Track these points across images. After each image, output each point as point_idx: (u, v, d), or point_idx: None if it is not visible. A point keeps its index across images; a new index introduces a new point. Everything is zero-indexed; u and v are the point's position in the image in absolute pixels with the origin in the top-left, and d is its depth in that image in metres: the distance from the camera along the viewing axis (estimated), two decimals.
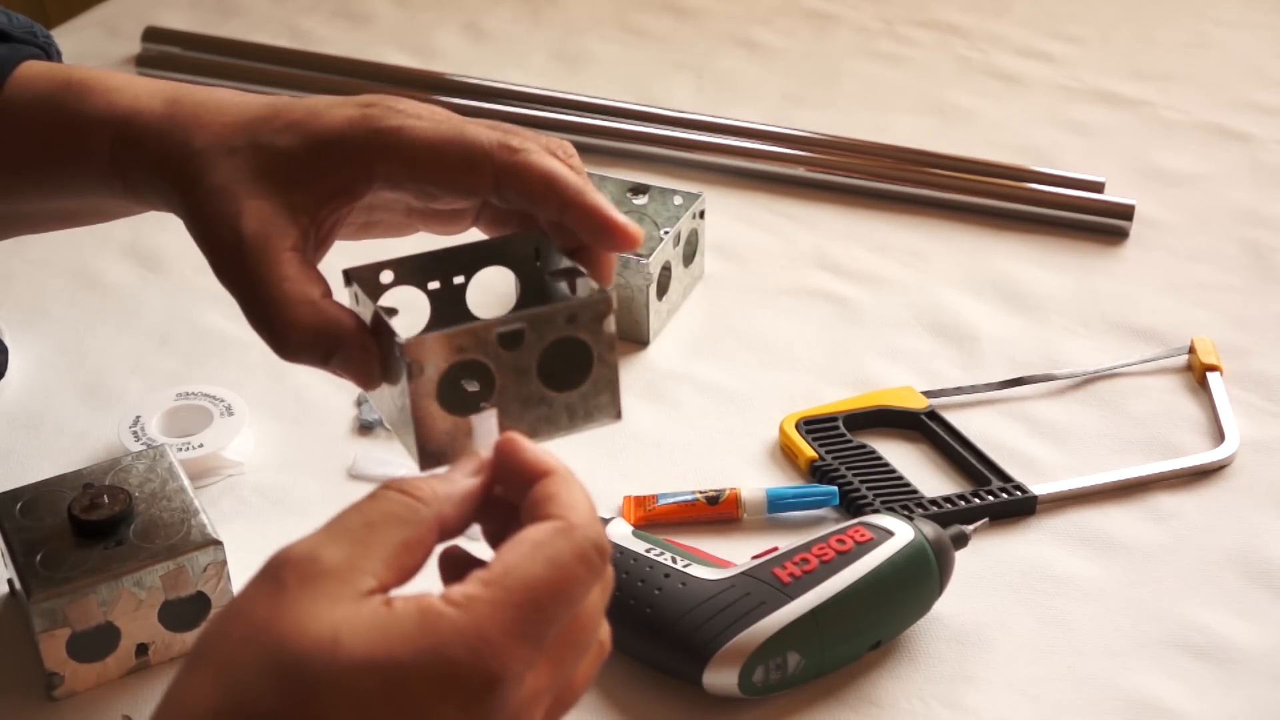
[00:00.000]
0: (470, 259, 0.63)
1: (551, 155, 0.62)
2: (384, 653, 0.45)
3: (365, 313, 0.60)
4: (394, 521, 0.48)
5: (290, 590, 0.46)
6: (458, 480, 0.51)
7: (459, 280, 0.63)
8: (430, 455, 0.57)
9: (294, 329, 0.60)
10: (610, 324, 0.58)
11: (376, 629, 0.45)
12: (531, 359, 0.57)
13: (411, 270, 0.62)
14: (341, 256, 0.64)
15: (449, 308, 0.63)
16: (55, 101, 0.68)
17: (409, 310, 0.64)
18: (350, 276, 0.62)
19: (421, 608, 0.46)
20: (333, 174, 0.62)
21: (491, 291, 0.68)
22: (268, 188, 0.62)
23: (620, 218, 0.60)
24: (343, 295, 0.62)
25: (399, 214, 0.67)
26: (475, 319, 0.61)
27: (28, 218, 0.73)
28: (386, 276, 0.62)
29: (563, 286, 0.62)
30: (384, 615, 0.46)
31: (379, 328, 0.59)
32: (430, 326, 0.63)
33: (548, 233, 0.62)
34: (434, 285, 0.63)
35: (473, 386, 0.57)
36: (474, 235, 0.66)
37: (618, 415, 0.59)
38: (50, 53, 0.74)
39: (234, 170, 0.62)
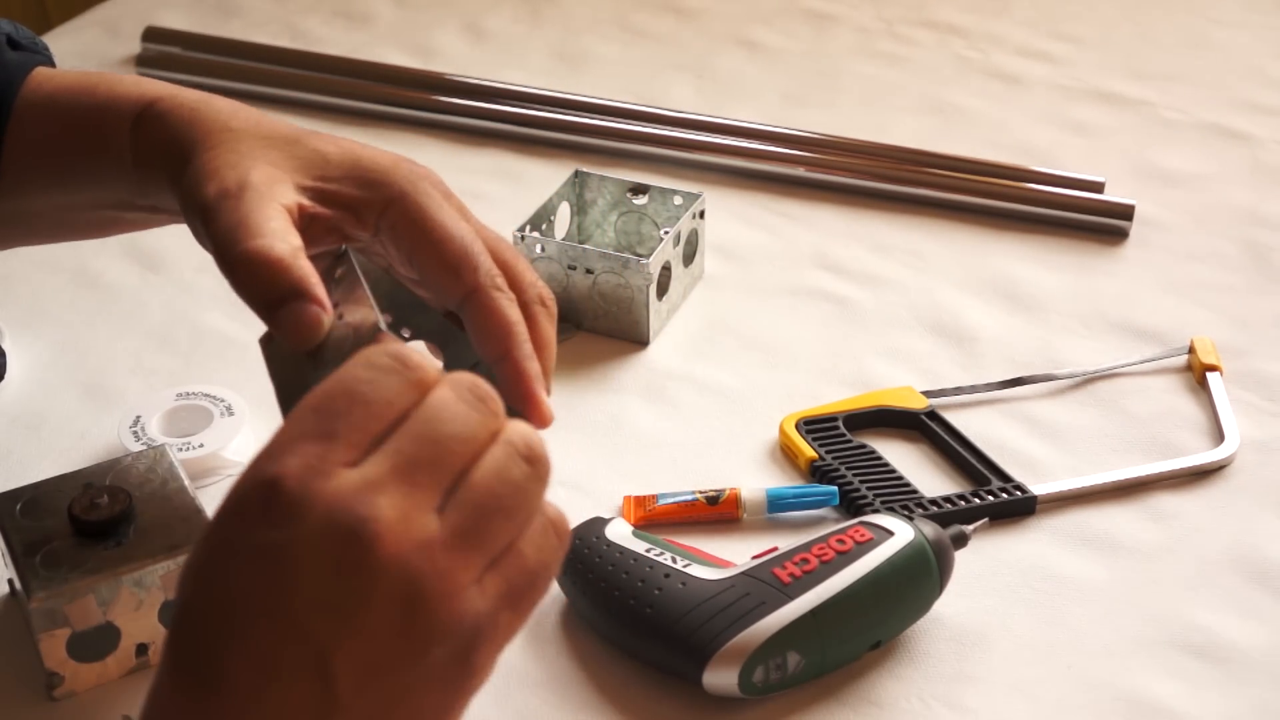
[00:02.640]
0: (414, 314, 0.66)
1: (529, 304, 0.64)
2: (207, 522, 0.49)
3: (344, 287, 0.61)
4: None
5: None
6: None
7: (386, 322, 0.64)
8: None
9: (254, 256, 0.58)
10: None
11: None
12: None
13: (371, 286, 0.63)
14: None
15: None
16: (74, 98, 0.69)
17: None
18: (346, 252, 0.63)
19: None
20: (355, 192, 0.63)
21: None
22: (289, 169, 0.63)
23: (540, 395, 0.62)
24: None
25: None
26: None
27: (33, 220, 0.73)
28: (341, 271, 0.63)
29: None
30: None
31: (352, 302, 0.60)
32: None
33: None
34: (379, 319, 0.61)
35: None
36: None
37: None
38: (53, 66, 0.74)
39: (261, 147, 0.63)
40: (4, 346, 0.91)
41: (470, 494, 0.48)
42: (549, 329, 0.65)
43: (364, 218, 0.63)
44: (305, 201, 0.62)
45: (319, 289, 0.58)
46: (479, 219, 0.66)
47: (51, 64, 0.74)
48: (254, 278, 0.58)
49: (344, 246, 0.64)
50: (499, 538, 0.48)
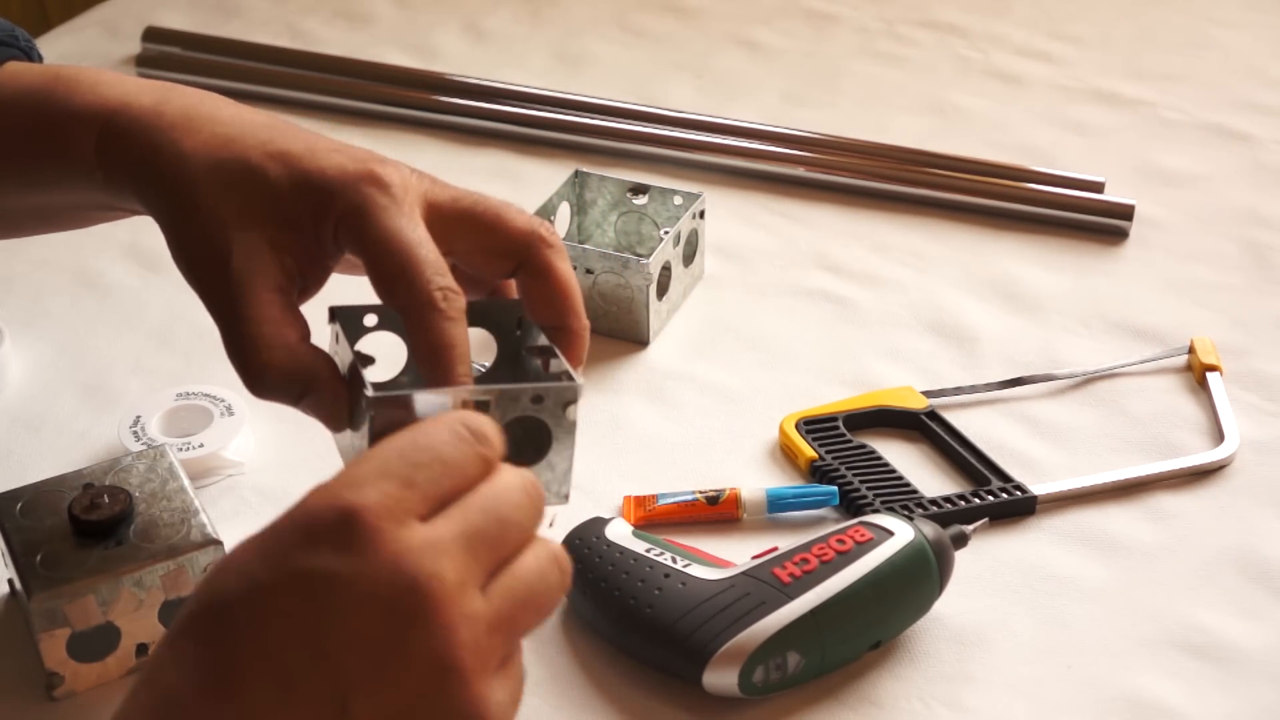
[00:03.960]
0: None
1: (537, 248, 0.63)
2: (262, 530, 0.47)
3: (344, 353, 0.61)
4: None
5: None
6: None
7: None
8: None
9: (267, 370, 0.60)
10: (574, 412, 0.59)
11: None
12: None
13: (395, 318, 0.61)
14: (331, 288, 0.64)
15: None
16: (42, 95, 0.67)
17: (390, 356, 0.64)
18: (334, 315, 0.62)
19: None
20: (309, 219, 0.62)
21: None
22: (256, 219, 0.62)
23: (580, 355, 0.63)
24: (325, 330, 0.62)
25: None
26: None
27: (7, 216, 0.72)
28: (370, 320, 0.62)
29: (536, 363, 0.63)
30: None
31: (353, 374, 0.59)
32: (406, 373, 0.63)
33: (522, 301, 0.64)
34: None
35: None
36: None
37: (564, 499, 0.60)
38: (32, 57, 0.74)
39: (222, 192, 0.62)
40: (5, 346, 0.91)
41: (515, 584, 0.49)
42: (559, 264, 0.64)
43: (323, 242, 0.62)
44: (286, 264, 0.62)
45: (326, 378, 0.60)
46: (457, 189, 0.64)
47: (28, 55, 0.73)
48: (273, 390, 0.61)
49: (329, 310, 0.63)
50: (523, 632, 0.49)
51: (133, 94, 0.66)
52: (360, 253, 0.61)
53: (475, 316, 0.63)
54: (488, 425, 0.51)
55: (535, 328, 0.64)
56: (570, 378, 0.59)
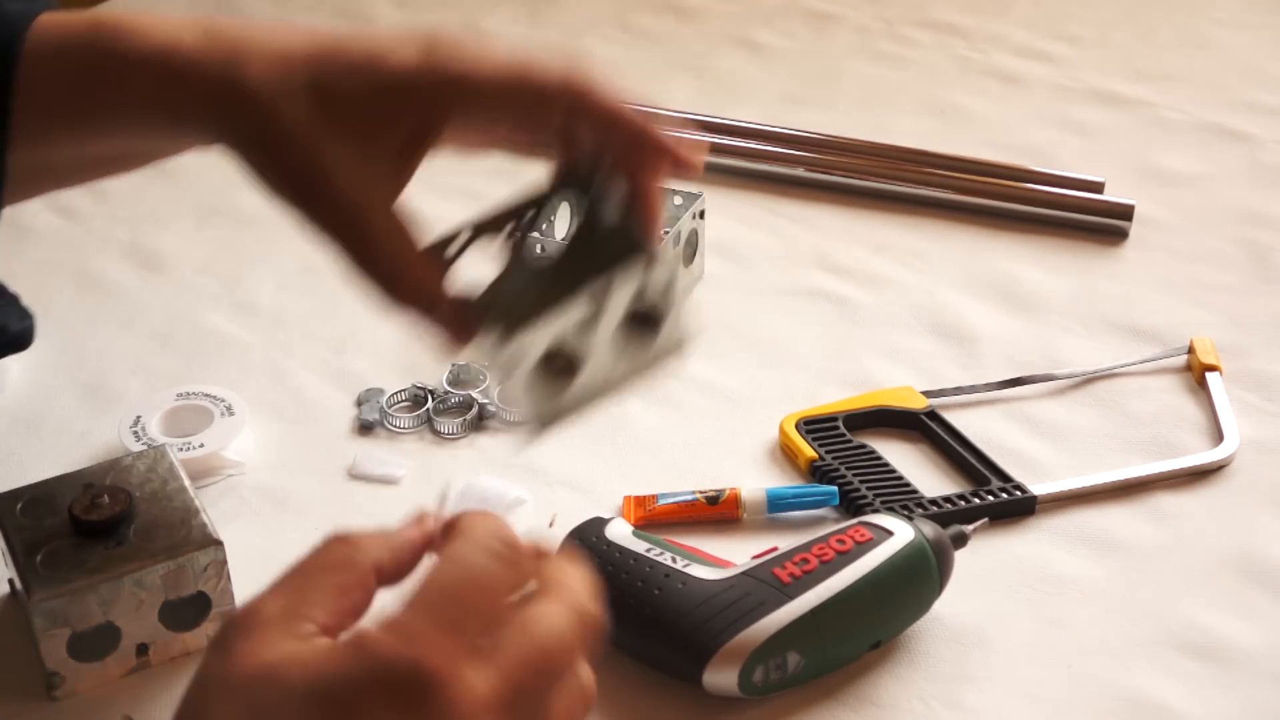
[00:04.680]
0: (535, 205, 0.65)
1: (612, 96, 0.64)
2: (322, 676, 0.46)
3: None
4: (328, 568, 0.50)
5: (234, 643, 0.47)
6: (398, 531, 0.53)
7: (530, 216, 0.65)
8: None
9: (407, 283, 0.62)
10: (658, 275, 0.62)
11: (313, 660, 0.46)
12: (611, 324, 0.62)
13: (488, 226, 0.64)
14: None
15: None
16: (86, 44, 0.66)
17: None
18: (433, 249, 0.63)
19: (355, 635, 0.47)
20: (404, 121, 0.62)
21: None
22: (344, 135, 0.62)
23: (681, 147, 0.63)
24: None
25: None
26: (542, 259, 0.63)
27: (66, 167, 0.71)
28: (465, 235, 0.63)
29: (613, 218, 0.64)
30: (322, 647, 0.47)
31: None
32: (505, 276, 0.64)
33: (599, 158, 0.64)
34: (509, 228, 0.64)
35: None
36: None
37: (689, 343, 0.64)
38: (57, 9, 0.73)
39: (303, 114, 0.62)
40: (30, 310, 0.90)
41: (518, 647, 0.49)
42: (596, 98, 0.64)
43: (427, 137, 0.63)
44: (385, 171, 0.62)
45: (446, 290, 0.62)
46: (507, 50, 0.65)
47: (55, 7, 0.72)
48: (413, 300, 0.62)
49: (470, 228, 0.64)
50: (539, 698, 0.50)
51: (175, 33, 0.65)
52: (494, 110, 0.63)
53: (553, 195, 0.64)
54: (514, 534, 0.52)
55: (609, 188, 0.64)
56: (642, 249, 0.62)
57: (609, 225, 0.63)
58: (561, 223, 0.97)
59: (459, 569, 0.50)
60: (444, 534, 0.52)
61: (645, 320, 0.63)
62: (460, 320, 0.62)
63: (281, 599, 0.49)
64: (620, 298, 0.62)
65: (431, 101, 0.62)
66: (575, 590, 0.52)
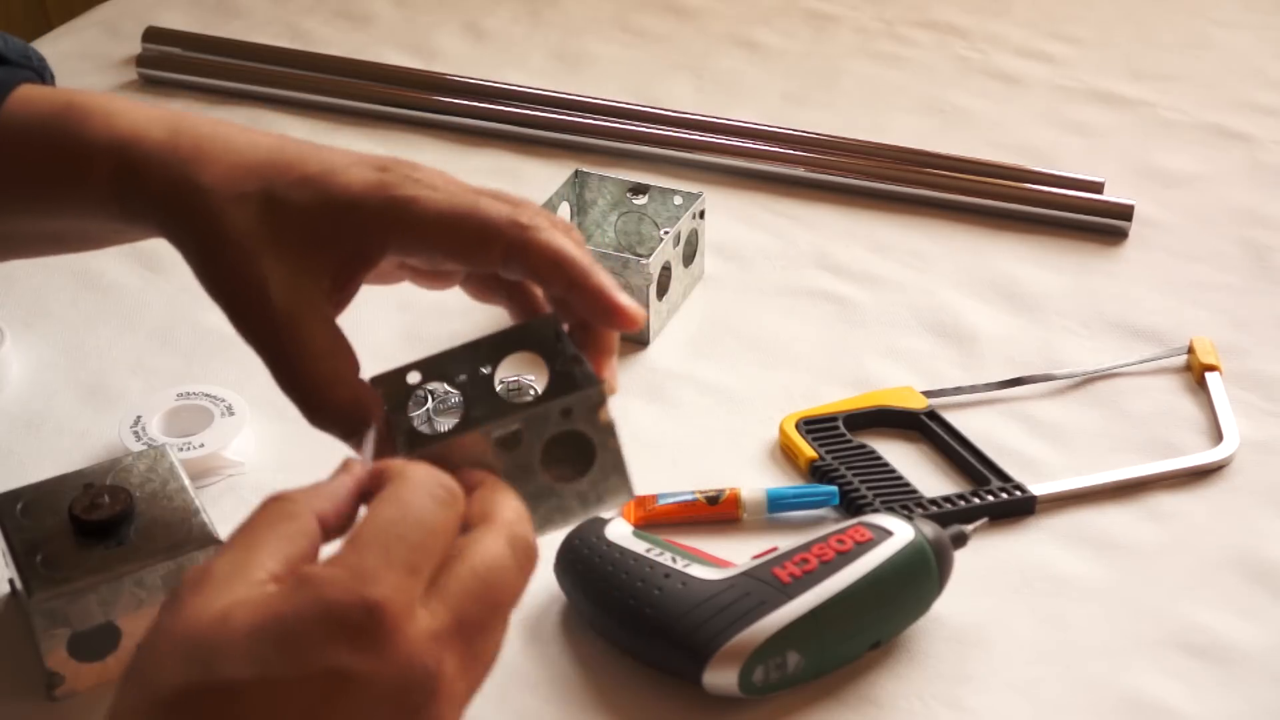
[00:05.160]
0: (493, 350, 0.62)
1: (559, 232, 0.63)
2: (270, 615, 0.47)
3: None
4: (271, 522, 0.51)
5: (184, 598, 0.48)
6: (330, 481, 0.54)
7: (486, 370, 0.62)
8: None
9: (329, 407, 0.61)
10: (606, 413, 0.58)
11: (261, 602, 0.47)
12: (533, 456, 0.57)
13: (438, 368, 0.62)
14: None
15: (480, 395, 0.62)
16: (54, 124, 0.67)
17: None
18: (376, 383, 0.61)
19: (298, 576, 0.48)
20: (349, 239, 0.62)
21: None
22: (285, 248, 0.62)
23: (623, 300, 0.61)
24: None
25: (391, 265, 0.67)
26: (501, 407, 0.60)
27: (20, 239, 0.72)
28: (414, 377, 0.61)
29: (577, 372, 0.61)
30: (269, 590, 0.48)
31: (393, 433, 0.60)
32: (462, 413, 0.62)
33: (555, 311, 0.63)
34: (462, 378, 0.62)
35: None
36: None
37: (630, 493, 0.59)
38: (45, 77, 0.74)
39: (249, 221, 0.62)
40: (5, 346, 0.91)
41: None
42: (585, 248, 0.64)
43: (371, 256, 0.63)
44: (324, 287, 0.62)
45: (376, 414, 0.61)
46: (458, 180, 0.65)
47: (41, 77, 0.73)
48: (326, 423, 0.62)
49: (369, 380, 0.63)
50: (479, 629, 0.51)
51: (143, 125, 0.65)
52: (432, 242, 0.62)
53: (513, 344, 0.62)
54: (455, 482, 0.53)
55: (567, 337, 0.62)
56: (593, 381, 0.58)
57: (561, 366, 0.61)
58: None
59: (402, 509, 0.50)
60: (375, 480, 0.53)
61: (574, 456, 0.58)
62: (381, 449, 0.61)
63: (230, 555, 0.49)
64: (551, 424, 0.57)
65: (374, 221, 0.62)
66: (510, 520, 0.53)
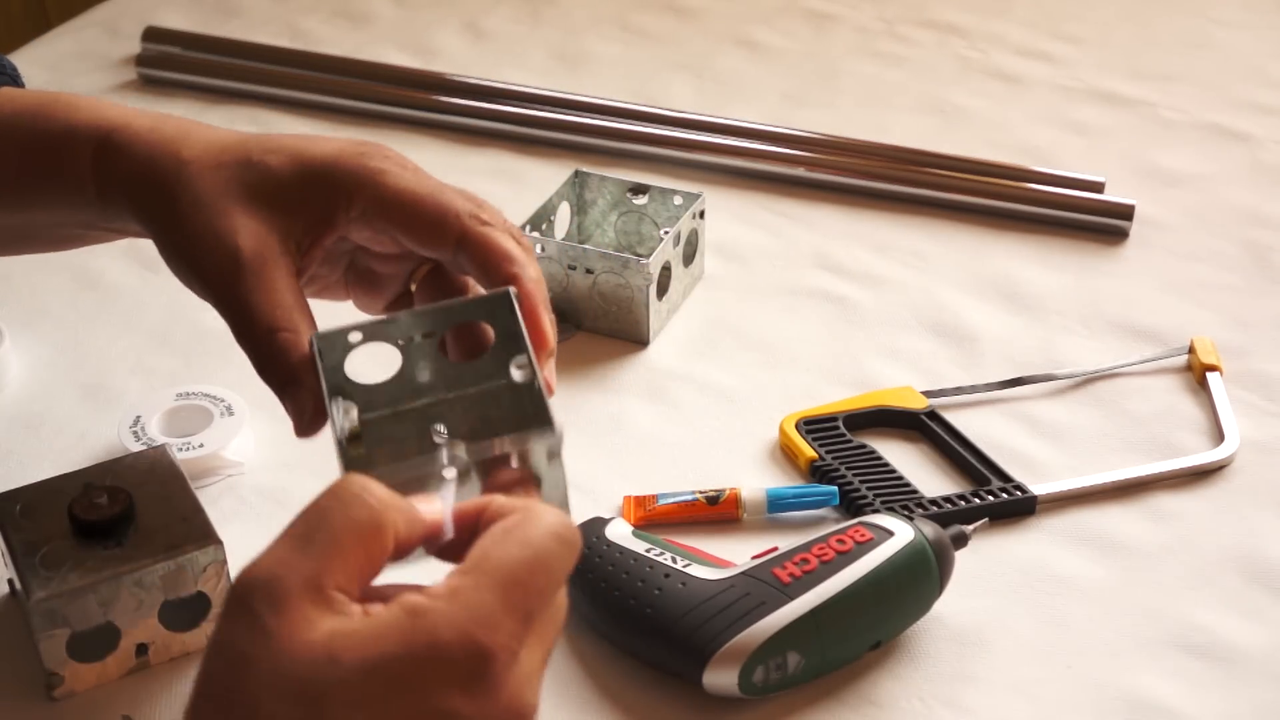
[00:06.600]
0: (442, 317, 0.62)
1: (512, 239, 0.64)
2: (382, 655, 0.45)
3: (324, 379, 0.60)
4: (354, 529, 0.48)
5: (265, 619, 0.46)
6: (423, 508, 0.51)
7: (430, 337, 0.61)
8: None
9: (282, 359, 0.62)
10: (558, 459, 0.57)
11: (369, 636, 0.46)
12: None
13: (380, 330, 0.61)
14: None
15: (421, 359, 0.61)
16: (40, 113, 0.69)
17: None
18: (317, 339, 0.61)
19: (407, 608, 0.46)
20: (318, 200, 0.65)
21: None
22: (258, 207, 0.64)
23: (547, 326, 0.62)
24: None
25: (337, 273, 0.69)
26: (445, 377, 0.60)
27: None
28: (355, 336, 0.61)
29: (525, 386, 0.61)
30: (371, 622, 0.46)
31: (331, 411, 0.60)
32: (397, 379, 0.61)
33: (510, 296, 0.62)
34: (402, 342, 0.61)
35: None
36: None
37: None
38: (19, 84, 0.74)
39: (223, 184, 0.64)
40: (5, 346, 0.91)
41: (553, 613, 0.51)
42: (534, 258, 0.65)
43: (335, 218, 0.65)
44: (290, 248, 0.64)
45: (311, 378, 0.61)
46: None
47: (16, 83, 0.74)
48: (278, 377, 0.63)
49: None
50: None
51: (130, 114, 0.68)
52: (389, 217, 0.64)
53: (465, 312, 0.62)
54: (575, 526, 0.52)
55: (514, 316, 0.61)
56: (550, 421, 0.57)
57: (515, 379, 0.60)
58: (560, 225, 0.98)
59: (525, 550, 0.49)
60: (493, 513, 0.51)
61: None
62: (314, 410, 0.61)
63: (304, 564, 0.47)
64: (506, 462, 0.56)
65: (344, 184, 0.64)
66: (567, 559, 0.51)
